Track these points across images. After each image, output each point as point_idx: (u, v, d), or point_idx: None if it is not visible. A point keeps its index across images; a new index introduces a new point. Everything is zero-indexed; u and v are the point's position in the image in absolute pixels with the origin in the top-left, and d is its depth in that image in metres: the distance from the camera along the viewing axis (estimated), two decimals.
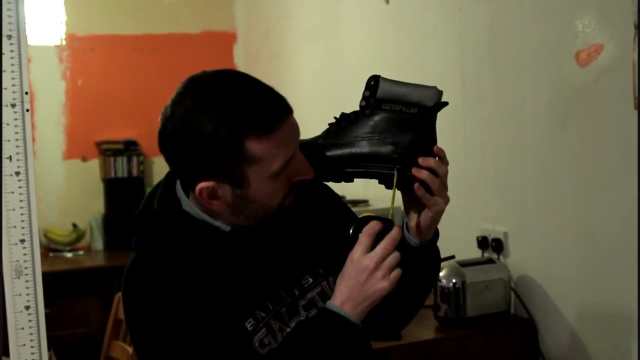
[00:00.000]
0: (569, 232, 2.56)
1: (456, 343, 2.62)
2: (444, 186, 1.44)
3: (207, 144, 1.29)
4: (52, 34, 4.94)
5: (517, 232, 2.81)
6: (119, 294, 2.97)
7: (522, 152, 2.76)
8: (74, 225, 5.06)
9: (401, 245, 1.40)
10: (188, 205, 1.42)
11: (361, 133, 1.42)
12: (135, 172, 5.13)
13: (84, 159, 5.20)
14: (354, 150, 1.41)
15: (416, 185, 1.41)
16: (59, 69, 5.08)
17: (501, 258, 2.83)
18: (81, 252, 5.03)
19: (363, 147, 1.41)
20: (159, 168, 5.18)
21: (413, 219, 1.48)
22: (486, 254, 2.90)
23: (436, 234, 1.52)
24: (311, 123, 4.30)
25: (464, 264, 2.70)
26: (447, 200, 1.45)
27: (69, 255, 4.94)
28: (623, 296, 2.34)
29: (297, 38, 4.50)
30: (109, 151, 5.10)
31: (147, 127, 4.95)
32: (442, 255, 1.61)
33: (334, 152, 1.41)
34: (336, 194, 1.64)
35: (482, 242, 2.90)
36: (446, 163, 1.45)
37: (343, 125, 1.43)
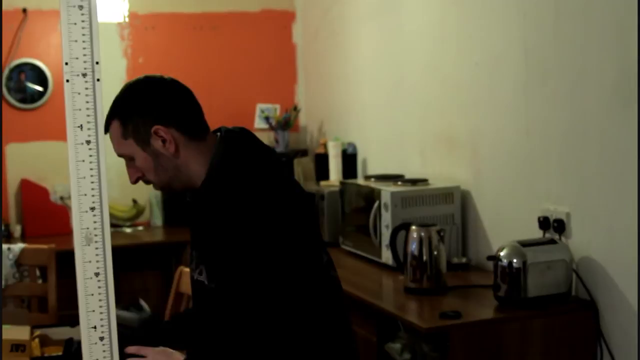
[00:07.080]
0: (633, 213, 2.51)
1: (516, 323, 2.60)
2: None
3: None
4: (114, 11, 5.00)
5: (580, 213, 2.76)
6: (181, 268, 3.02)
7: (585, 130, 2.71)
8: (134, 201, 5.14)
9: None
10: None
11: None
12: None
13: None
14: None
15: None
16: (121, 47, 5.13)
17: (563, 239, 2.79)
18: (140, 228, 5.11)
19: None
20: None
21: None
22: (547, 235, 2.86)
23: None
24: (370, 102, 4.25)
25: (525, 244, 2.67)
26: None
27: (129, 230, 5.02)
28: None
29: (357, 16, 4.47)
30: None
31: (206, 104, 4.93)
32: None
33: None
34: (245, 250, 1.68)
35: (544, 223, 2.86)
36: None
37: None
